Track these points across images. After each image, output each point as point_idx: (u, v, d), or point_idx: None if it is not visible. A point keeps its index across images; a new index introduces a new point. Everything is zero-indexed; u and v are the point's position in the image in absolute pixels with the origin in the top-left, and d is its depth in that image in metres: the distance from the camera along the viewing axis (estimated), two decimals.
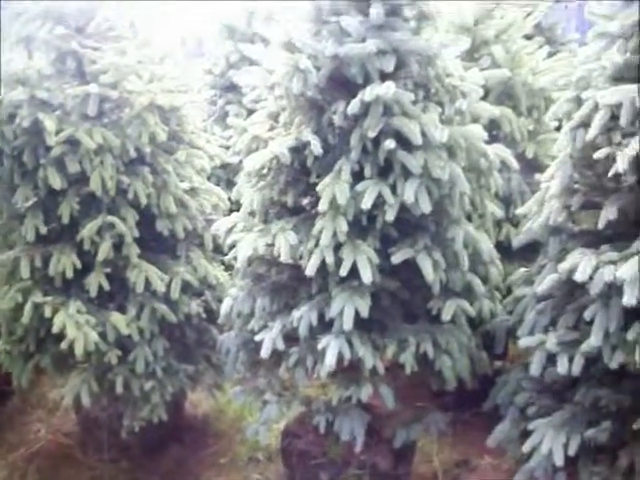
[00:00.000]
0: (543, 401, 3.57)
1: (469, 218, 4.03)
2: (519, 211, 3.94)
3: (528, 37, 5.85)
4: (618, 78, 3.31)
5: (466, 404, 4.55)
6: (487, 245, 3.83)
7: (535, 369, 3.42)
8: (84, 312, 4.14)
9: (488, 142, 4.63)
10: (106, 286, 4.20)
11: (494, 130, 4.79)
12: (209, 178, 4.99)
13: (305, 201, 3.76)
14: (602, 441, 3.32)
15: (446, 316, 3.62)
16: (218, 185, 5.21)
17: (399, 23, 3.60)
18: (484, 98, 4.69)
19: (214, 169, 5.16)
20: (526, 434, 3.51)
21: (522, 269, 4.04)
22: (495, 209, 4.17)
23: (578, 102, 3.39)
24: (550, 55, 5.48)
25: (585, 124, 3.30)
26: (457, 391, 4.01)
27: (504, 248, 4.49)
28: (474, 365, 3.94)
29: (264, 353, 3.70)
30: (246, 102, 3.94)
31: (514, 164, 3.97)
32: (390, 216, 3.43)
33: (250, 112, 4.10)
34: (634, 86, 3.14)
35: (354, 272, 3.48)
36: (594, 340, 3.18)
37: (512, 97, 4.86)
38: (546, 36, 6.53)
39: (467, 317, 3.76)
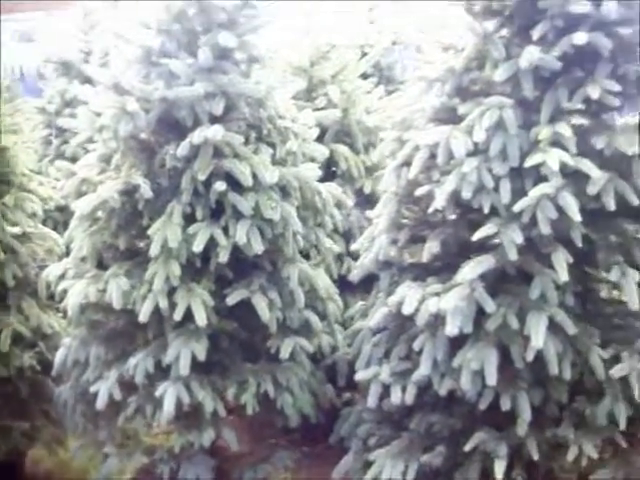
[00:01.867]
0: (383, 431, 3.65)
1: (307, 255, 4.10)
2: (353, 247, 4.05)
3: (367, 76, 6.12)
4: (435, 120, 3.50)
5: (316, 438, 4.58)
6: (324, 281, 3.91)
7: (372, 401, 3.50)
8: None
9: (327, 179, 4.81)
10: None
11: (333, 167, 4.94)
12: (44, 221, 4.79)
13: (138, 245, 3.68)
14: (437, 465, 3.44)
15: (284, 354, 3.65)
16: (55, 229, 5.00)
17: (229, 66, 3.64)
18: (322, 136, 4.87)
19: (50, 212, 4.96)
20: (369, 465, 3.58)
21: (360, 302, 4.14)
22: (333, 245, 4.26)
23: (401, 142, 3.55)
24: (389, 93, 5.75)
25: (408, 163, 3.45)
26: (306, 426, 4.04)
27: (345, 282, 4.59)
28: (318, 400, 3.98)
29: (100, 404, 3.57)
30: (74, 144, 3.82)
31: (347, 202, 4.09)
32: (223, 258, 3.43)
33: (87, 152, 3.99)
34: (449, 127, 3.33)
35: (189, 316, 3.44)
36: (424, 369, 3.31)
37: (349, 135, 5.03)
38: (385, 75, 6.83)
39: (307, 353, 3.80)
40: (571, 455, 3.26)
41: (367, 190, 4.96)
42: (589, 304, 3.51)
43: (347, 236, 4.84)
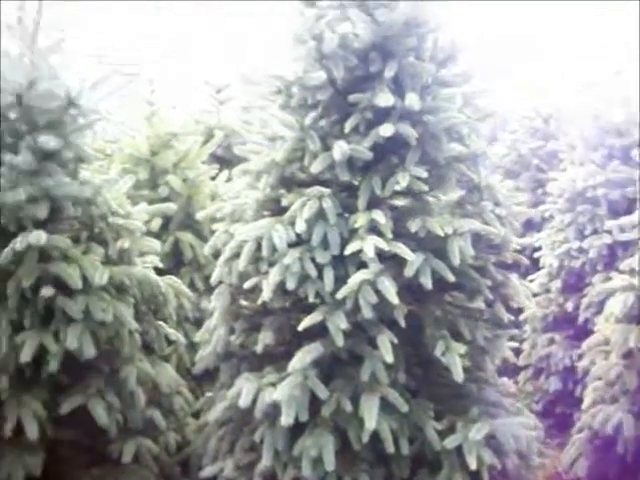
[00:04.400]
0: None
1: (151, 349, 4.05)
2: (195, 338, 4.05)
3: (220, 159, 6.20)
4: (262, 211, 3.61)
5: None
6: (167, 376, 3.87)
7: None
8: None
9: (175, 267, 4.82)
10: None
11: (179, 254, 4.94)
12: None
13: None
14: None
15: (127, 457, 3.56)
16: None
17: (54, 168, 3.61)
18: (167, 224, 4.89)
19: None
20: None
21: (207, 394, 4.12)
22: (178, 336, 4.24)
23: (230, 235, 3.62)
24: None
25: (237, 255, 3.52)
26: None
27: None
28: None
29: None
30: None
31: (186, 292, 4.11)
32: (54, 366, 3.34)
33: None
34: (272, 220, 3.44)
35: (22, 428, 3.31)
36: (265, 459, 3.33)
37: (195, 221, 5.06)
38: (236, 156, 6.93)
39: (152, 453, 3.72)
40: None
41: None
42: (423, 378, 3.66)
43: (199, 324, 4.82)
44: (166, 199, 4.89)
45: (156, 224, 4.66)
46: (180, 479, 4.04)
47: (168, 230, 4.88)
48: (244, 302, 3.68)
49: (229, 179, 5.57)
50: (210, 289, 4.85)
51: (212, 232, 5.07)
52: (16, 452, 3.33)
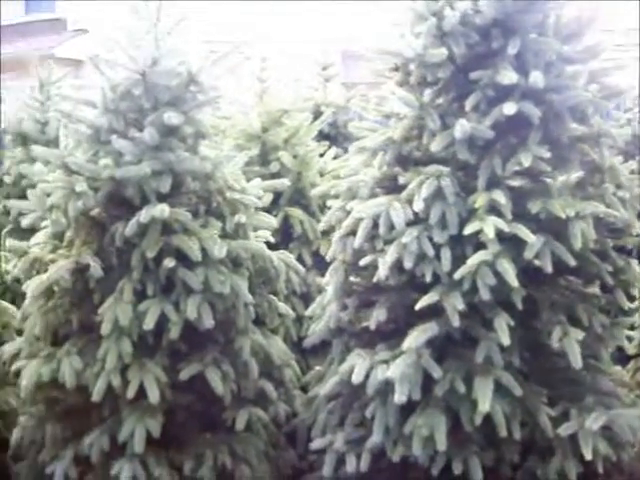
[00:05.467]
0: None
1: (263, 322, 4.13)
2: (307, 313, 4.11)
3: (326, 136, 6.25)
4: (378, 189, 3.60)
5: None
6: (278, 349, 3.94)
7: (327, 469, 3.52)
8: None
9: (283, 242, 4.88)
10: None
11: (289, 230, 5.01)
12: (4, 294, 4.79)
13: (91, 322, 3.69)
14: None
15: (240, 425, 3.66)
16: (14, 301, 4.99)
17: (175, 143, 3.72)
18: (277, 200, 4.96)
19: (7, 284, 4.95)
20: None
21: (317, 368, 4.18)
22: (288, 310, 4.30)
23: (346, 212, 3.64)
24: (347, 151, 5.86)
25: (353, 232, 3.54)
26: None
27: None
28: (278, 467, 3.98)
29: None
30: (24, 225, 3.87)
31: (298, 267, 4.16)
32: (175, 334, 3.47)
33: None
34: (389, 197, 3.43)
35: (143, 392, 3.46)
36: (376, 436, 3.35)
37: (304, 197, 5.11)
38: (342, 133, 6.97)
39: (263, 423, 3.81)
40: None
41: (324, 252, 5.01)
42: (536, 363, 3.59)
43: (306, 298, 4.89)
44: (276, 175, 4.95)
45: (267, 199, 4.74)
46: (286, 449, 4.13)
47: (278, 205, 4.95)
48: (358, 279, 3.70)
49: (337, 156, 5.62)
50: (317, 265, 4.95)
51: (320, 208, 5.17)
52: (138, 414, 3.48)
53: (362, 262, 3.43)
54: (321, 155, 5.48)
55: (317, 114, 6.05)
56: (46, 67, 6.61)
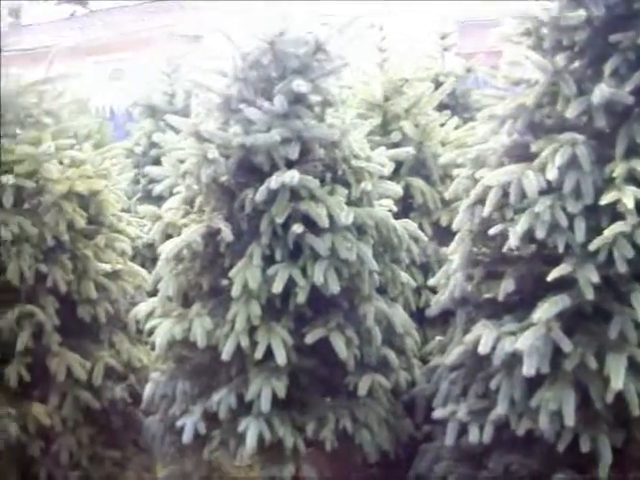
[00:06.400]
0: (461, 469, 3.65)
1: (385, 290, 4.15)
2: (430, 282, 4.10)
3: (444, 106, 6.15)
4: (508, 157, 3.52)
5: (394, 473, 4.59)
6: (400, 317, 3.95)
7: (450, 439, 3.51)
8: (4, 404, 4.09)
9: (404, 212, 4.86)
10: (26, 376, 4.16)
11: (409, 200, 4.99)
12: (134, 258, 5.03)
13: (220, 284, 3.83)
14: None
15: (362, 391, 3.71)
16: (144, 265, 5.24)
17: (303, 111, 3.77)
18: (398, 169, 4.93)
19: (138, 249, 5.19)
20: None
21: (438, 338, 4.17)
22: (409, 279, 4.30)
23: (474, 180, 3.58)
24: (466, 122, 5.75)
25: (481, 201, 3.48)
26: (385, 461, 4.07)
27: (425, 315, 4.62)
28: (397, 435, 4.02)
29: (186, 438, 3.72)
30: (157, 192, 4.03)
31: (422, 236, 4.14)
32: (302, 298, 3.54)
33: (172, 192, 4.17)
34: (521, 166, 3.34)
35: (270, 354, 3.56)
36: (501, 408, 3.31)
37: (425, 167, 5.06)
38: (461, 103, 6.83)
39: (385, 389, 3.85)
40: None
41: (444, 222, 4.97)
42: None
43: (425, 269, 4.87)
44: (397, 145, 4.92)
45: (389, 168, 4.73)
46: (403, 418, 4.15)
47: (399, 175, 4.92)
48: (485, 249, 3.64)
49: (458, 126, 5.51)
50: (437, 236, 4.91)
51: (441, 179, 5.11)
52: (265, 374, 3.59)
53: (491, 231, 3.37)
54: (441, 125, 5.40)
55: (436, 84, 5.95)
56: (171, 42, 6.84)
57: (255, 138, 3.61)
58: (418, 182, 4.92)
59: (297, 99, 3.78)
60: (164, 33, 11.14)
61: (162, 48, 6.82)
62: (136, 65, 7.90)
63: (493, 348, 3.28)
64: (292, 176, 3.50)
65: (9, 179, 4.14)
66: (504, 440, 3.46)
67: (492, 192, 3.37)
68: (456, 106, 6.76)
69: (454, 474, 3.67)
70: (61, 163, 4.47)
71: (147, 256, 5.67)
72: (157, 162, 5.86)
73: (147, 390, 4.12)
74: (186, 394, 3.89)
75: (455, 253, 3.72)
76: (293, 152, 3.61)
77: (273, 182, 3.51)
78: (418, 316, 4.50)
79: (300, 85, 3.67)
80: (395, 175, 4.90)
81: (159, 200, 4.97)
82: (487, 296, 3.70)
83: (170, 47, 6.76)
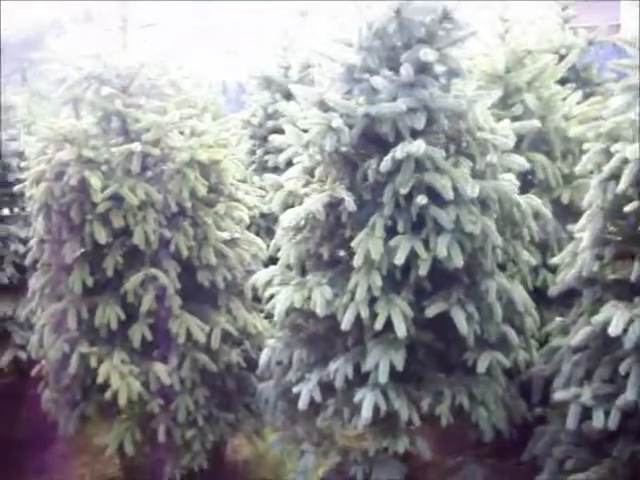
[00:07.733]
0: (581, 454, 3.54)
1: (504, 267, 4.06)
2: (553, 260, 3.96)
3: (563, 79, 5.91)
4: None
5: (507, 453, 4.52)
6: (521, 295, 3.85)
7: (571, 423, 3.41)
8: (128, 362, 4.27)
9: (523, 188, 4.72)
10: (149, 337, 4.32)
11: (529, 176, 4.83)
12: (249, 227, 5.12)
13: (340, 254, 3.84)
14: None
15: (481, 368, 3.65)
16: (258, 234, 5.33)
17: (429, 80, 3.69)
18: (518, 144, 4.77)
19: (254, 218, 5.28)
20: None
21: (558, 318, 4.04)
22: (530, 257, 4.18)
23: (608, 154, 3.42)
24: (586, 96, 5.51)
25: (615, 176, 3.33)
26: (497, 440, 4.00)
27: (542, 295, 4.48)
28: (511, 415, 3.94)
29: (302, 405, 3.76)
30: (281, 161, 4.06)
31: (546, 213, 4.01)
32: (423, 270, 3.49)
33: (289, 163, 4.21)
34: None
35: (389, 325, 3.54)
36: (630, 394, 3.18)
37: (546, 142, 4.89)
38: (581, 77, 6.55)
39: (503, 368, 3.77)
40: None
41: (565, 200, 4.80)
42: None
43: (543, 247, 4.72)
44: (519, 118, 4.76)
45: (511, 142, 4.58)
46: (518, 398, 4.06)
47: (520, 150, 4.77)
48: (616, 227, 3.49)
49: (580, 101, 5.28)
50: (557, 213, 4.73)
51: (563, 154, 4.92)
52: (383, 346, 3.58)
53: (627, 208, 3.21)
54: (563, 99, 5.19)
55: (558, 58, 5.72)
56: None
57: (380, 107, 3.57)
58: (539, 157, 4.75)
59: (423, 68, 3.71)
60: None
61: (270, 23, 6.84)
62: (247, 40, 7.99)
63: (624, 330, 3.14)
64: (418, 146, 3.44)
65: (137, 146, 4.28)
66: (630, 427, 3.33)
67: (629, 167, 3.22)
68: (577, 80, 6.51)
69: (573, 458, 3.56)
70: (182, 133, 4.59)
71: (262, 225, 5.79)
72: (274, 133, 5.94)
73: (263, 356, 4.20)
74: (302, 362, 3.93)
75: (583, 231, 3.58)
76: (419, 122, 3.55)
77: (399, 152, 3.47)
78: (534, 296, 4.38)
79: (427, 53, 3.60)
80: (516, 149, 4.76)
81: (274, 171, 5.03)
82: (614, 276, 3.56)
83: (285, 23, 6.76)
